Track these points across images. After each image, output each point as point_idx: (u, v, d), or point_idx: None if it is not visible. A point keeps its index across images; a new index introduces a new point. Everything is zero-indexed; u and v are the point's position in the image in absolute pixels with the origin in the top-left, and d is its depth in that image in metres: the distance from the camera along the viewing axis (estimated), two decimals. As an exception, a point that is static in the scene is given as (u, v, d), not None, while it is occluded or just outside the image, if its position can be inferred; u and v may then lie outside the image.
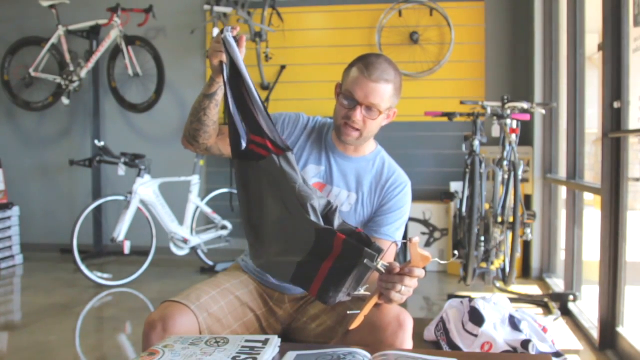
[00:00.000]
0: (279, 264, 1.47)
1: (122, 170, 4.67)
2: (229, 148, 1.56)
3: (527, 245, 4.50)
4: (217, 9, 5.01)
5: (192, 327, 1.56)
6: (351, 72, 1.68)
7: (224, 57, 1.51)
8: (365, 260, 1.32)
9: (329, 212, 1.44)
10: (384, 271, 1.36)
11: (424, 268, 1.43)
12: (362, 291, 1.35)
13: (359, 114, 1.66)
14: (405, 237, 1.64)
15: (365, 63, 1.66)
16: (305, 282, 1.41)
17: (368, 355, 1.29)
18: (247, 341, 1.35)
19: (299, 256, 1.41)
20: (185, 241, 4.65)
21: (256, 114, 1.48)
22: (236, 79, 1.50)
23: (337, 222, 1.44)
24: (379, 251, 1.34)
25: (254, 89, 1.50)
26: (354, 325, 1.39)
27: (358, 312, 1.45)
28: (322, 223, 1.41)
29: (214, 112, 1.65)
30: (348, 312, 1.41)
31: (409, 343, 1.53)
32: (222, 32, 1.50)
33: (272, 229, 1.48)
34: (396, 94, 1.71)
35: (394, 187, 1.77)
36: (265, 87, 5.25)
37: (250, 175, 1.50)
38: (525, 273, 4.60)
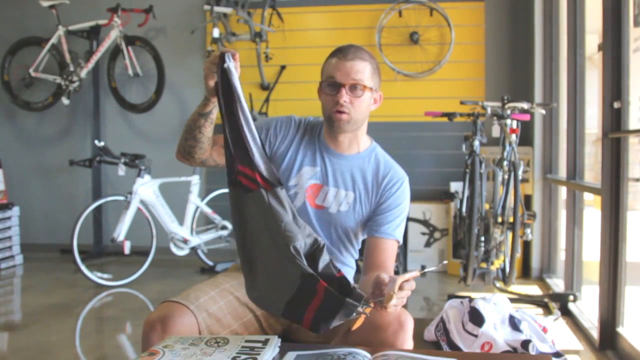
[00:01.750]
0: (270, 298, 1.47)
1: (122, 170, 4.67)
2: (224, 158, 1.56)
3: (527, 245, 4.50)
4: (217, 9, 5.01)
5: (192, 326, 1.56)
6: (327, 63, 1.72)
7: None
8: (349, 306, 1.33)
9: (315, 250, 1.43)
10: (368, 315, 1.36)
11: (423, 273, 1.43)
12: (354, 315, 1.35)
13: (344, 95, 1.66)
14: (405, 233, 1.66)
15: (338, 49, 1.71)
16: (296, 317, 1.42)
17: (368, 355, 1.29)
18: (247, 341, 1.35)
19: (286, 294, 1.41)
20: (185, 241, 4.65)
21: (249, 144, 1.48)
22: (231, 104, 1.48)
23: (322, 261, 1.43)
24: (360, 299, 1.34)
25: (250, 116, 1.49)
26: (356, 326, 1.39)
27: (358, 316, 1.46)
28: (305, 264, 1.40)
29: (209, 130, 1.67)
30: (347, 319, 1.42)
31: (409, 343, 1.53)
32: (222, 60, 1.48)
33: (263, 262, 1.47)
34: (376, 74, 1.73)
35: (391, 184, 1.76)
36: (265, 87, 5.25)
37: (242, 205, 1.50)
38: (525, 273, 4.60)
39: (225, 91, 1.49)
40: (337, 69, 1.67)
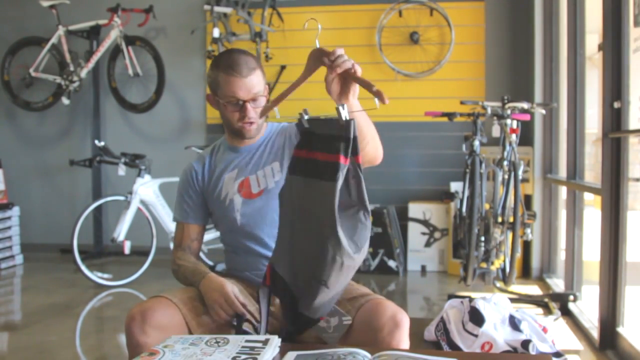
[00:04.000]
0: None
1: (122, 170, 4.67)
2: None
3: (527, 245, 4.50)
4: (217, 9, 5.01)
5: (175, 318, 1.59)
6: (220, 79, 1.76)
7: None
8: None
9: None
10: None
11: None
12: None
13: (250, 110, 1.76)
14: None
15: (227, 64, 1.74)
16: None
17: (368, 355, 1.29)
18: (247, 341, 1.35)
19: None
20: (185, 241, 4.64)
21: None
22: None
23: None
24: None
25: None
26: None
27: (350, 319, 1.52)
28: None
29: None
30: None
31: (405, 342, 1.53)
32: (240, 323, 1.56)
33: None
34: (263, 73, 1.81)
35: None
36: (265, 87, 5.25)
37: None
38: (525, 273, 4.60)
39: None
40: (237, 87, 1.73)
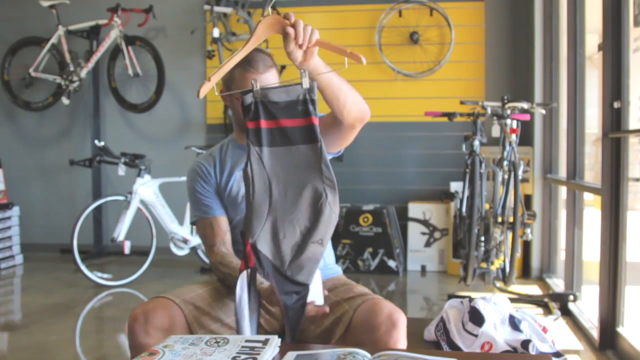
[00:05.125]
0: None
1: (122, 170, 4.67)
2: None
3: (527, 245, 4.50)
4: (217, 9, 5.01)
5: (177, 319, 1.59)
6: (236, 74, 1.74)
7: None
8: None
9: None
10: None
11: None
12: None
13: None
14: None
15: (244, 60, 1.68)
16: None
17: (368, 355, 1.29)
18: (247, 341, 1.35)
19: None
20: (185, 241, 4.65)
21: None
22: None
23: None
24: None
25: None
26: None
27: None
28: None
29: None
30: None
31: (402, 342, 1.53)
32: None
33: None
34: (277, 70, 1.81)
35: None
36: (265, 87, 5.25)
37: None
38: (525, 273, 4.60)
39: None
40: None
